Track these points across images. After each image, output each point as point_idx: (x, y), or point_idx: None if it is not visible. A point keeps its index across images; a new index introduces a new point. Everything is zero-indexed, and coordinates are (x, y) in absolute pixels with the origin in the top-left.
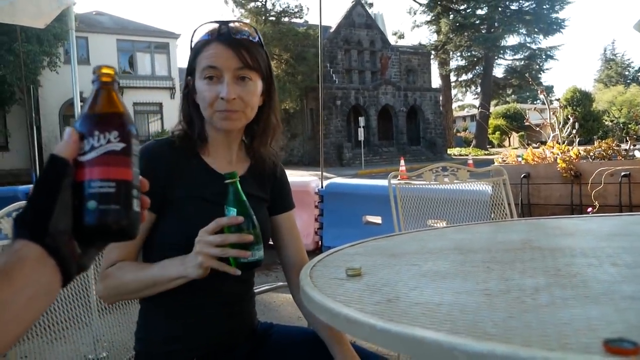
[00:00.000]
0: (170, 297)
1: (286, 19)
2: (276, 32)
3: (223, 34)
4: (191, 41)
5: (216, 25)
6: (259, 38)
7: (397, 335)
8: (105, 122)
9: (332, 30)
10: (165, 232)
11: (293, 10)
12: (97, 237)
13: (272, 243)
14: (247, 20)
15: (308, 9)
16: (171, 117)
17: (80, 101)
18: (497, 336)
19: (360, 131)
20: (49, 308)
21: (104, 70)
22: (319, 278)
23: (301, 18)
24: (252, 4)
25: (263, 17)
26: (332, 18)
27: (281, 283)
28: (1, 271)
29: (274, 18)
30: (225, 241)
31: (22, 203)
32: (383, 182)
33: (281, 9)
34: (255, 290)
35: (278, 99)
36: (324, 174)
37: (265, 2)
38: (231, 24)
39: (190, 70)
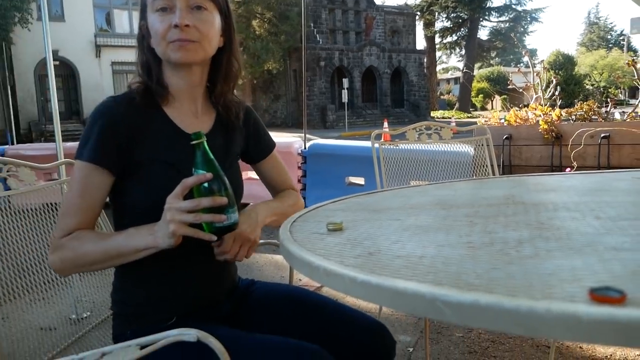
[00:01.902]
0: (145, 260)
1: None
2: None
3: None
4: None
5: None
6: None
7: (378, 287)
8: None
9: None
10: (134, 198)
11: None
12: None
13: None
14: None
15: None
16: None
17: (54, 60)
18: (481, 287)
19: (344, 93)
20: (24, 268)
21: None
22: (298, 232)
23: None
24: None
25: None
26: None
27: (262, 241)
28: None
29: None
30: (197, 206)
31: None
32: (366, 144)
33: None
34: None
35: (238, 43)
36: (307, 135)
37: None
38: None
39: (143, 10)
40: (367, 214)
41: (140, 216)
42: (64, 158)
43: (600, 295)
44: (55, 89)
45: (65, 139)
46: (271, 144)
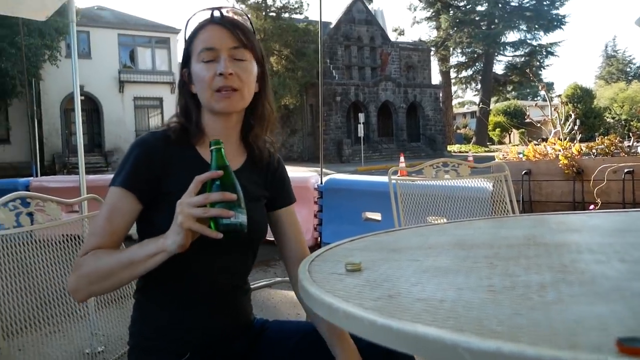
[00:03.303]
0: (163, 290)
1: (286, 15)
2: (276, 28)
3: (217, 17)
4: (185, 32)
5: (209, 10)
6: (251, 25)
7: (399, 332)
8: None
9: (332, 26)
10: (159, 229)
11: (293, 6)
12: None
13: (271, 239)
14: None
15: (308, 4)
16: (171, 112)
17: (80, 95)
18: (504, 334)
19: (360, 127)
20: (45, 300)
21: None
22: (317, 273)
23: (301, 14)
24: (253, 0)
25: (263, 13)
26: (333, 14)
27: (279, 279)
28: None
29: (274, 14)
30: (206, 199)
31: (18, 193)
32: (383, 179)
33: (281, 5)
34: (252, 286)
35: (271, 88)
36: (324, 170)
37: None
38: (223, 8)
39: (186, 60)
40: (385, 254)
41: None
42: (86, 191)
43: (628, 346)
44: (80, 124)
45: (87, 171)
46: (292, 197)
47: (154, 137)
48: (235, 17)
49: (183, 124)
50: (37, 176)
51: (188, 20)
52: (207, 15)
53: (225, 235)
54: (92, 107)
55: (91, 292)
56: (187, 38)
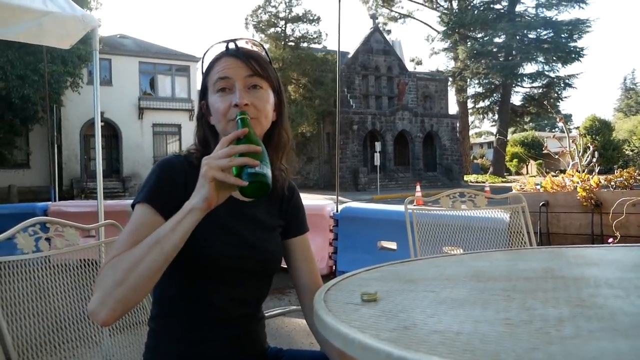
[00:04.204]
0: (177, 320)
1: (305, 45)
2: (295, 57)
3: (231, 48)
4: (202, 65)
5: (224, 43)
6: (267, 54)
7: None
8: None
9: (350, 55)
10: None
11: (312, 36)
12: None
13: (285, 266)
14: (267, 45)
15: (327, 34)
16: (189, 139)
17: (101, 121)
18: None
19: (377, 156)
20: (61, 325)
21: None
22: (333, 302)
23: (320, 44)
24: (272, 30)
25: (282, 42)
26: (351, 44)
27: (294, 307)
28: None
29: (293, 43)
30: (232, 150)
31: (38, 219)
32: (399, 207)
33: (300, 35)
34: (266, 314)
35: (287, 116)
36: (340, 198)
37: (285, 27)
38: (238, 40)
39: (203, 92)
40: (401, 284)
41: (180, 265)
42: (104, 216)
43: None
44: (100, 150)
45: (105, 196)
46: (306, 226)
47: (177, 159)
48: (252, 44)
49: (202, 152)
50: (55, 201)
51: (205, 53)
52: (222, 47)
53: (250, 187)
54: (112, 133)
55: (117, 299)
56: (204, 71)
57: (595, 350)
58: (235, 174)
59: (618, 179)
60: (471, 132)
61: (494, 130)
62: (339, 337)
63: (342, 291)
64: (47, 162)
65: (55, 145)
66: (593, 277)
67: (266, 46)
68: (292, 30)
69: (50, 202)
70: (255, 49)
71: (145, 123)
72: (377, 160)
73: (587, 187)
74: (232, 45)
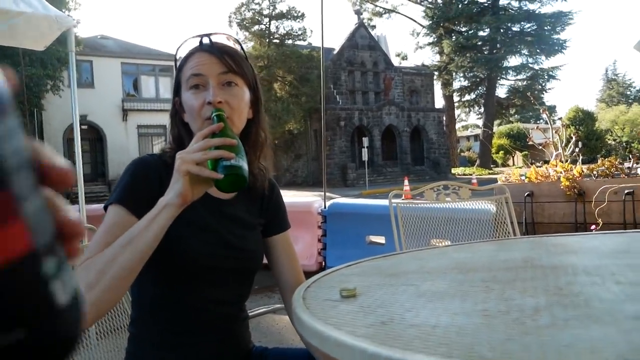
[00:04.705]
0: (157, 323)
1: (290, 42)
2: (280, 55)
3: (205, 44)
4: (175, 60)
5: (198, 38)
6: (242, 50)
7: None
8: None
9: (335, 52)
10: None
11: (296, 32)
12: None
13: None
14: (252, 43)
15: (312, 31)
16: None
17: (82, 124)
18: None
19: (364, 152)
20: None
21: None
22: (312, 299)
23: (305, 40)
24: (256, 27)
25: (267, 40)
26: (336, 40)
27: (278, 305)
28: None
29: (277, 41)
30: (207, 144)
31: None
32: (386, 202)
33: (285, 32)
34: (251, 313)
35: (264, 114)
36: (328, 194)
37: (269, 25)
38: (213, 35)
39: (177, 89)
40: (382, 279)
41: (158, 265)
42: (86, 221)
43: None
44: (80, 154)
45: (91, 201)
46: (287, 224)
47: (152, 158)
48: (227, 39)
49: (177, 150)
50: None
51: (178, 48)
52: (196, 42)
53: (226, 180)
54: (96, 136)
55: (91, 302)
56: (177, 67)
57: (569, 338)
58: (210, 168)
59: (600, 168)
60: (458, 125)
61: (480, 123)
62: (315, 335)
63: (322, 288)
64: None
65: None
66: (571, 265)
67: (250, 44)
68: (277, 27)
69: None
70: (230, 44)
71: (130, 125)
72: (365, 156)
73: (571, 177)
74: (206, 40)
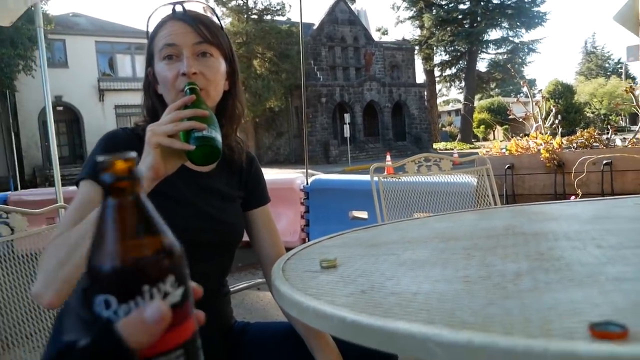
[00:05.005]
0: None
1: (268, 17)
2: (259, 31)
3: (179, 12)
4: (147, 29)
5: (171, 5)
6: (218, 19)
7: (368, 328)
8: (153, 265)
9: (315, 27)
10: None
11: (275, 8)
12: None
13: (248, 239)
14: (229, 19)
15: (290, 6)
16: None
17: (57, 106)
18: (476, 325)
19: (346, 128)
20: (30, 316)
21: (115, 168)
22: (291, 271)
23: (283, 16)
24: (234, 2)
25: (245, 15)
26: (315, 15)
27: (260, 280)
28: None
29: (256, 16)
30: (178, 116)
31: None
32: (368, 177)
33: (263, 7)
34: (232, 288)
35: (241, 86)
36: (311, 171)
37: (247, 0)
38: (186, 2)
39: (149, 59)
40: (363, 250)
41: None
42: (64, 202)
43: (600, 330)
44: (54, 134)
45: (69, 183)
46: (267, 197)
47: (124, 131)
48: (201, 7)
49: (150, 123)
50: (16, 191)
51: (149, 17)
52: (169, 10)
53: (198, 152)
54: (72, 117)
55: (63, 279)
56: (149, 36)
57: (551, 301)
58: (183, 141)
59: (579, 140)
60: (439, 100)
61: (461, 97)
62: (294, 306)
63: (302, 259)
64: (4, 151)
65: (13, 133)
66: (552, 231)
67: (228, 20)
68: (254, 2)
69: (9, 192)
70: (204, 13)
71: (107, 105)
72: (347, 132)
73: (550, 149)
74: (179, 8)
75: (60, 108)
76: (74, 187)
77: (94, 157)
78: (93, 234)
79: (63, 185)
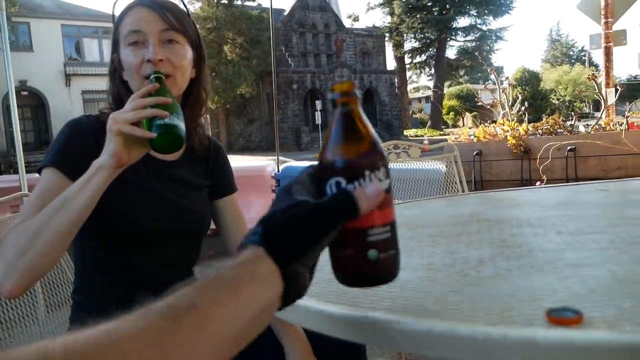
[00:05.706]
0: (101, 290)
1: (239, 2)
2: (229, 16)
3: None
4: (113, 14)
5: None
6: (184, 5)
7: (332, 317)
8: (371, 158)
9: (286, 13)
10: (94, 215)
11: None
12: (373, 283)
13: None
14: (199, 4)
15: None
16: None
17: (22, 90)
18: (438, 313)
19: (318, 115)
20: None
21: (340, 88)
22: None
23: (254, 1)
24: None
25: (215, 0)
26: (286, 1)
27: None
28: (231, 283)
29: (226, 1)
30: (140, 103)
31: None
32: None
33: None
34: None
35: (208, 74)
36: (282, 158)
37: None
38: None
39: (115, 45)
40: None
41: (98, 230)
42: (28, 190)
43: (556, 317)
44: (17, 120)
45: (35, 169)
46: (234, 186)
47: (88, 119)
48: None
49: (115, 110)
50: None
51: (115, 3)
52: None
53: (160, 139)
54: (37, 102)
55: (23, 268)
56: (115, 22)
57: (511, 287)
58: (146, 128)
59: (545, 126)
60: (409, 87)
61: (431, 84)
62: None
63: None
64: None
65: None
66: (516, 217)
67: (198, 4)
68: None
69: None
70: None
71: (74, 90)
72: (318, 119)
73: (517, 135)
74: None
75: (25, 93)
76: (37, 174)
77: (56, 144)
78: (327, 135)
79: (29, 171)
